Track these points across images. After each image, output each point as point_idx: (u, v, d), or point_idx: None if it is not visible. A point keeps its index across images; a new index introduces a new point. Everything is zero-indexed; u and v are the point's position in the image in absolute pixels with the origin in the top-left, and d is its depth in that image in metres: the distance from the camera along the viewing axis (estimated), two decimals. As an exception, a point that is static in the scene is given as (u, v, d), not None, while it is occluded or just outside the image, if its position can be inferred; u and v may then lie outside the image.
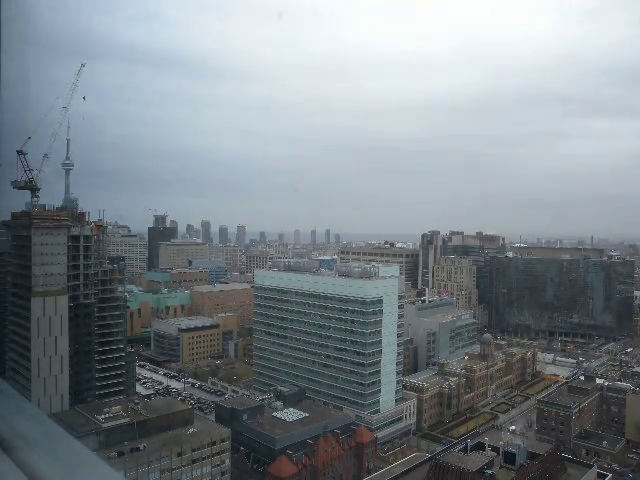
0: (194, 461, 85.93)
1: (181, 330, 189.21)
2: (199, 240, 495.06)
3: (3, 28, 6.31)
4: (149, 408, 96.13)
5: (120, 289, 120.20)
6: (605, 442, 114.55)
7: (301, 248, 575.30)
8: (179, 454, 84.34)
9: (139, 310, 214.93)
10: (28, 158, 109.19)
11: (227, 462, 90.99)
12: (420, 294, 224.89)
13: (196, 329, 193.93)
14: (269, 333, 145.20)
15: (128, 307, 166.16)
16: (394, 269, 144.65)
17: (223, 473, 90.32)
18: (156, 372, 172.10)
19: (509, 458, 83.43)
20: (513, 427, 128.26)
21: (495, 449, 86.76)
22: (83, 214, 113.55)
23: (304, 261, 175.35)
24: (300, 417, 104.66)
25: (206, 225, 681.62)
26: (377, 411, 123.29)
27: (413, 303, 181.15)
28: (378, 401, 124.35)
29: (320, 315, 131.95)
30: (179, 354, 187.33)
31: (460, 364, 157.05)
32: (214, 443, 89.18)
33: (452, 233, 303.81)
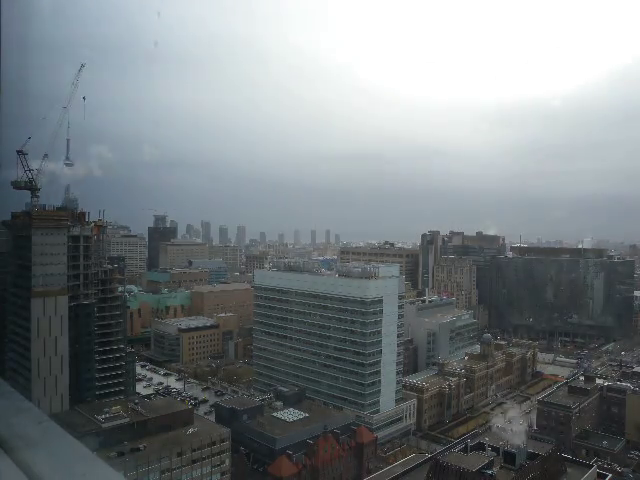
0: (194, 461, 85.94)
1: (181, 330, 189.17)
2: (199, 240, 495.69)
3: (3, 28, 6.32)
4: (149, 408, 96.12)
5: (120, 289, 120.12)
6: (605, 442, 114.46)
7: (301, 248, 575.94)
8: (179, 454, 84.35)
9: (139, 310, 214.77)
10: (28, 158, 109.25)
11: (227, 462, 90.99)
12: (420, 294, 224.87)
13: (196, 329, 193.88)
14: (269, 333, 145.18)
15: (128, 307, 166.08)
16: (394, 269, 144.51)
17: (223, 473, 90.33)
18: (156, 372, 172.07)
19: (509, 458, 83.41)
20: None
21: (495, 449, 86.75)
22: (83, 214, 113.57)
23: (304, 261, 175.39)
24: (300, 417, 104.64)
25: (206, 225, 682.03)
26: (377, 411, 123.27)
27: (413, 303, 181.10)
28: (378, 401, 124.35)
29: (320, 315, 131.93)
30: (179, 354, 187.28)
31: (460, 364, 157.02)
32: (214, 443, 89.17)
33: (452, 233, 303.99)
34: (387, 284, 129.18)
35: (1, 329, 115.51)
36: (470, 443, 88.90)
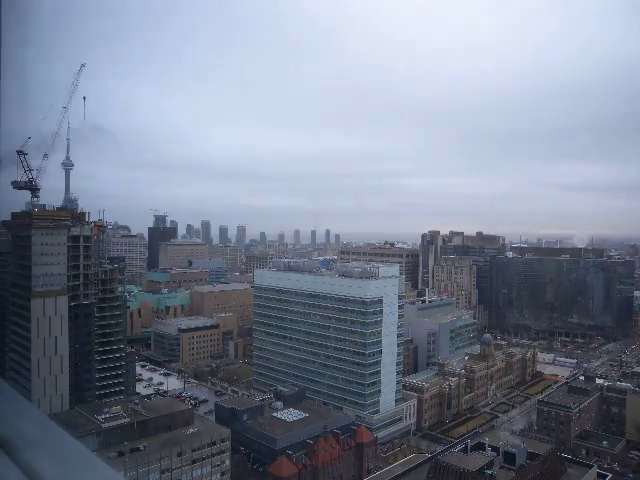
0: (194, 461, 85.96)
1: (181, 330, 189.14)
2: (199, 240, 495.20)
3: (3, 28, 6.32)
4: (149, 408, 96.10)
5: (120, 289, 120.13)
6: (605, 442, 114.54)
7: (301, 248, 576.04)
8: (179, 454, 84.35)
9: (139, 310, 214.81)
10: (28, 158, 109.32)
11: (227, 462, 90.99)
12: (420, 294, 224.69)
13: (196, 329, 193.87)
14: (269, 333, 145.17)
15: (128, 307, 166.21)
16: (394, 269, 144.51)
17: (223, 473, 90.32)
18: (156, 372, 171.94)
19: (509, 458, 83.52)
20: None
21: (495, 449, 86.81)
22: (83, 214, 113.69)
23: (304, 261, 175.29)
24: (300, 417, 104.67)
25: (206, 225, 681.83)
26: (377, 411, 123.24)
27: (413, 303, 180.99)
28: (378, 401, 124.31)
29: (320, 315, 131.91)
30: (179, 354, 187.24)
31: (460, 364, 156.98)
32: (214, 443, 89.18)
33: (452, 233, 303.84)
34: (387, 284, 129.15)
35: (1, 329, 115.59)
36: (470, 443, 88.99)
